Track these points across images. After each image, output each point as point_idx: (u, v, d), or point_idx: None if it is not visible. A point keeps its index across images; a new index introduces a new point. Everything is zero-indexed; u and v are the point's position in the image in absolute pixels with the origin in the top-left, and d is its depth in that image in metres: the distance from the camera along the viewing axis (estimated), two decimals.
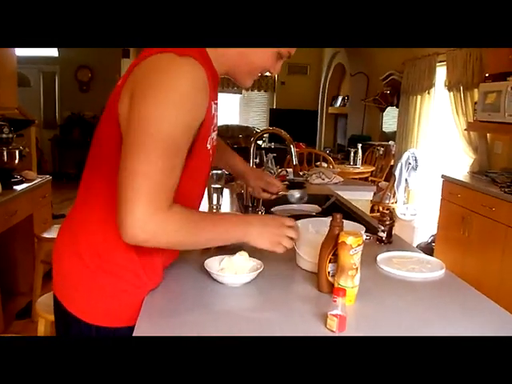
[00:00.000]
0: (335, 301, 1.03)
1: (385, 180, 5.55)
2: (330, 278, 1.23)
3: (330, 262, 1.22)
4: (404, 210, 5.02)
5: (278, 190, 1.72)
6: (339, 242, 1.18)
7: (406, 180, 5.07)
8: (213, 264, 1.31)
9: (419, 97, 5.47)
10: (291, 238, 1.25)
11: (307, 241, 1.37)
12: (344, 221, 1.59)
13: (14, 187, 3.16)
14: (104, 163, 1.13)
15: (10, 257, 3.43)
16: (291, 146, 2.01)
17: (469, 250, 3.83)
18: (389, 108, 6.64)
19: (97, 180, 1.16)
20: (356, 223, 1.59)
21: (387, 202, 5.23)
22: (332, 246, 1.21)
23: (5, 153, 3.25)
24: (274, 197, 1.74)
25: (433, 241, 4.58)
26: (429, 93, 5.31)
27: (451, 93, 4.72)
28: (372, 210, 5.64)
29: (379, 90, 6.55)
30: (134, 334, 1.00)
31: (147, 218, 0.97)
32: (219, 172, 2.04)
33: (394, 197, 5.18)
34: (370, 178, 5.80)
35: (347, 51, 7.94)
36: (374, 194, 5.40)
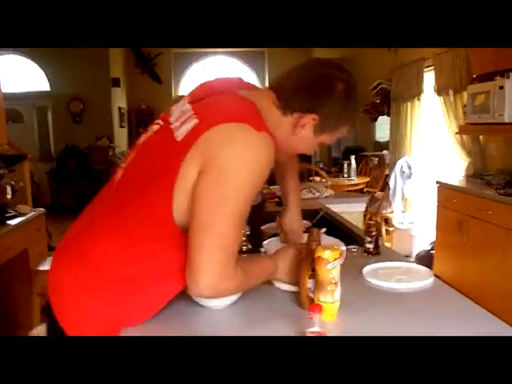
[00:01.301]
0: (311, 318, 1.01)
1: (381, 190, 5.54)
2: (310, 295, 1.21)
3: (309, 277, 1.21)
4: (401, 218, 5.00)
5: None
6: (316, 256, 1.16)
7: (402, 189, 5.06)
8: None
9: (409, 104, 5.49)
10: None
11: None
12: (325, 236, 1.58)
13: (8, 222, 3.15)
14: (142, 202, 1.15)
15: (7, 290, 3.41)
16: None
17: (468, 256, 3.79)
18: (381, 117, 6.66)
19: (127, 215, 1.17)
20: (335, 238, 1.58)
21: (384, 211, 5.21)
22: (310, 262, 1.20)
23: None
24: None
25: (432, 248, 4.55)
26: (418, 99, 5.34)
27: (441, 97, 4.73)
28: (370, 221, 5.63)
29: (369, 100, 6.58)
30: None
31: (217, 279, 1.06)
32: None
33: (390, 206, 5.15)
34: (365, 189, 5.80)
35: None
36: (370, 204, 5.40)
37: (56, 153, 8.72)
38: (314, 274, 1.20)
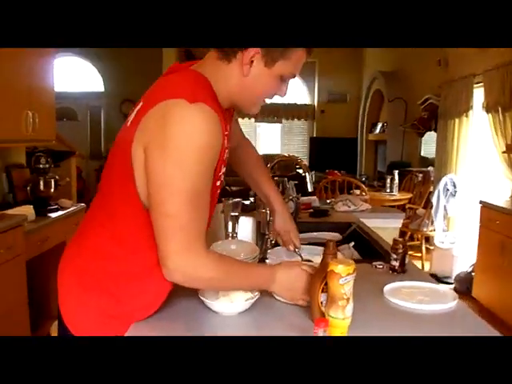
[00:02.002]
0: (316, 332, 0.99)
1: (423, 207, 5.41)
2: (322, 309, 1.18)
3: (322, 291, 1.19)
4: (443, 237, 4.85)
5: (292, 248, 1.70)
6: (328, 270, 1.12)
7: (445, 207, 4.92)
8: (208, 293, 1.30)
9: (457, 120, 5.33)
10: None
11: None
12: (352, 250, 1.54)
13: (49, 214, 3.28)
14: (117, 200, 1.18)
15: (43, 281, 3.53)
16: (306, 174, 2.01)
17: (509, 280, 3.64)
18: (429, 133, 6.52)
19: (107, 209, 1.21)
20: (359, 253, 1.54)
21: (425, 229, 5.08)
22: (324, 275, 1.17)
23: (41, 182, 3.40)
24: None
25: (473, 270, 4.40)
26: (467, 116, 5.18)
27: (489, 114, 4.58)
28: (412, 239, 5.50)
29: (417, 115, 6.45)
30: None
31: (184, 262, 1.07)
32: (236, 200, 2.05)
33: (432, 224, 5.02)
34: (407, 206, 5.67)
35: (384, 77, 7.89)
36: (412, 221, 5.28)
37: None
38: (325, 288, 1.17)
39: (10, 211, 2.98)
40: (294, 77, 1.22)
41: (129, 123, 1.15)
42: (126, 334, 1.15)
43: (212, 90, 1.15)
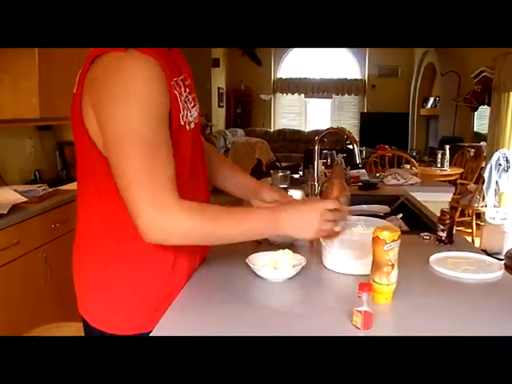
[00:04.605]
0: (359, 297, 1.00)
1: (475, 183, 5.34)
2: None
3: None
4: (494, 213, 4.79)
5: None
6: (373, 236, 1.14)
7: (497, 182, 4.85)
8: (256, 259, 1.33)
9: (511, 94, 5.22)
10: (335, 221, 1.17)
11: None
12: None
13: None
14: (88, 175, 1.14)
15: None
16: (354, 146, 2.06)
17: None
18: (482, 107, 6.38)
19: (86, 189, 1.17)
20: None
21: (476, 205, 5.03)
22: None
23: None
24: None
25: None
26: None
27: None
28: (462, 215, 5.46)
29: (470, 89, 6.31)
30: (163, 316, 1.06)
31: (153, 217, 0.98)
32: (285, 173, 2.15)
33: (483, 200, 4.97)
34: (458, 181, 5.61)
35: (437, 50, 7.70)
36: (462, 197, 5.24)
37: None
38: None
39: (63, 187, 3.06)
40: None
41: (74, 90, 1.09)
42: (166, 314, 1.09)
43: None
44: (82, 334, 1.92)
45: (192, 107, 1.16)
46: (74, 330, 1.95)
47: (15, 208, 2.45)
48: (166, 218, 1.00)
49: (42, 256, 2.59)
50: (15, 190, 2.64)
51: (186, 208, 1.03)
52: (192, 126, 1.16)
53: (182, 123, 1.11)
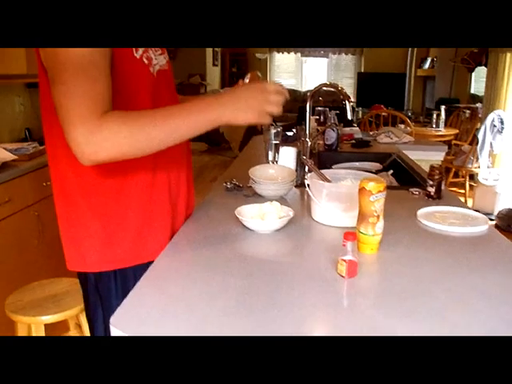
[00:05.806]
0: (344, 245, 1.01)
1: (469, 144, 5.34)
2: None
3: None
4: (486, 174, 4.81)
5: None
6: (360, 187, 1.14)
7: (491, 143, 4.85)
8: (244, 211, 1.36)
9: (509, 54, 5.14)
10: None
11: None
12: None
13: None
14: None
15: None
16: (346, 102, 2.04)
17: None
18: (479, 68, 6.30)
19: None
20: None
21: (470, 166, 5.05)
22: None
23: None
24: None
25: None
26: None
27: None
28: (456, 176, 5.47)
29: (467, 49, 6.23)
30: (152, 265, 1.09)
31: (82, 131, 0.93)
32: (278, 130, 2.13)
33: (476, 161, 4.98)
34: (453, 142, 5.60)
35: None
36: (456, 157, 5.24)
37: None
38: None
39: None
40: None
41: None
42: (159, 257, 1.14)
43: None
44: (75, 288, 1.96)
45: (158, 53, 1.19)
46: (67, 284, 1.99)
47: (5, 166, 2.45)
48: (93, 129, 0.94)
49: (34, 214, 2.60)
50: (5, 149, 2.62)
51: (118, 115, 0.98)
52: (156, 68, 1.17)
53: (137, 56, 1.10)
